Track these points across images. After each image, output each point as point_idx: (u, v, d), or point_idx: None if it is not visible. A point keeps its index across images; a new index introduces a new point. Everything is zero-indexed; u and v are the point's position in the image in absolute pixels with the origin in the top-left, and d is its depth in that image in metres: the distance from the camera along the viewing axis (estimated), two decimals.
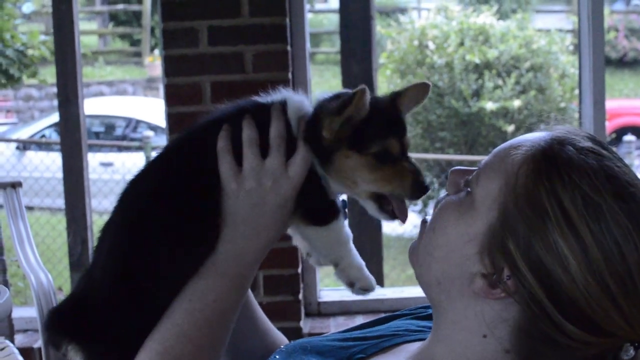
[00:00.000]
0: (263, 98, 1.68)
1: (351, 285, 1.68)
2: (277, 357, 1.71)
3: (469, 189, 1.54)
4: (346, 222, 1.68)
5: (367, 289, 1.68)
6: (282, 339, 1.91)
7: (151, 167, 1.72)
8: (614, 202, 1.40)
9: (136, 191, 1.69)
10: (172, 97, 4.01)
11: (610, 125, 12.36)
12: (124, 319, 1.59)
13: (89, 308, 1.62)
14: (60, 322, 1.65)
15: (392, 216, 1.66)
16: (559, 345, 1.42)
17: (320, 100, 1.66)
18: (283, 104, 1.65)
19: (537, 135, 1.52)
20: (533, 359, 1.46)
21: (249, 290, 1.82)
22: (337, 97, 1.64)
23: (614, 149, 1.52)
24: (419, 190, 1.63)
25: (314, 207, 1.65)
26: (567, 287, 1.39)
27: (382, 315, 1.89)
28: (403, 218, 1.66)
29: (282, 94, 1.68)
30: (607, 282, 1.38)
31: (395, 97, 1.67)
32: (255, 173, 1.60)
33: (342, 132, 1.59)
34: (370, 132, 1.61)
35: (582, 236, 1.39)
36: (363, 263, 1.70)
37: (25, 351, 3.84)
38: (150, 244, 1.60)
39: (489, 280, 1.46)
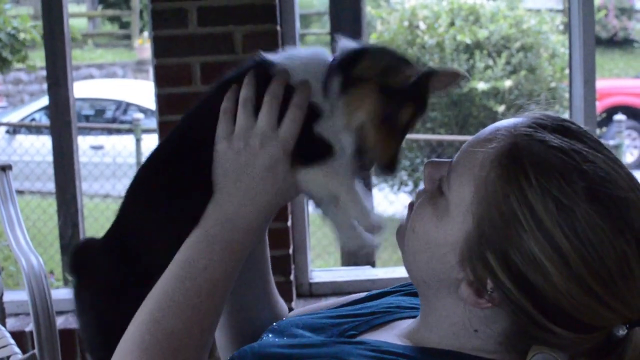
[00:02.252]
0: (279, 54, 1.62)
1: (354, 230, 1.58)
2: (270, 335, 1.71)
3: (442, 190, 1.50)
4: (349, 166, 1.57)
5: (369, 228, 1.57)
6: (285, 309, 1.91)
7: (173, 131, 1.67)
8: (587, 205, 1.36)
9: (153, 153, 1.66)
10: (162, 79, 3.98)
11: (600, 105, 12.36)
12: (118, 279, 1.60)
13: (100, 254, 1.63)
14: (84, 257, 1.65)
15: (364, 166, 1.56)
16: (552, 344, 1.42)
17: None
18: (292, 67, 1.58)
19: (504, 128, 1.47)
20: (527, 349, 1.45)
21: (266, 257, 1.80)
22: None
23: (598, 130, 1.48)
24: (387, 168, 1.55)
25: (307, 149, 1.55)
26: (551, 294, 1.37)
27: (374, 291, 1.88)
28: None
29: (291, 51, 1.63)
30: (589, 285, 1.36)
31: (428, 75, 1.57)
32: (244, 132, 1.54)
33: (377, 76, 1.52)
34: (398, 90, 1.52)
35: (558, 243, 1.36)
36: (368, 204, 1.58)
37: (16, 335, 3.83)
38: (149, 208, 1.61)
39: (474, 288, 1.44)
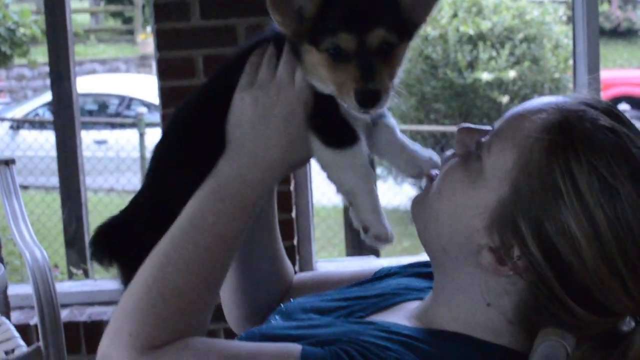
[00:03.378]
0: None
1: (365, 230, 1.53)
2: (277, 317, 1.71)
3: (479, 154, 1.50)
4: (367, 157, 1.54)
5: (380, 239, 1.52)
6: (292, 270, 1.91)
7: (192, 96, 1.67)
8: (631, 187, 1.37)
9: (176, 116, 1.67)
10: (165, 72, 3.98)
11: (604, 96, 12.32)
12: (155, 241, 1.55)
13: (132, 229, 1.62)
14: (105, 239, 1.64)
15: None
16: (563, 323, 1.41)
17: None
18: None
19: (554, 103, 1.47)
20: (536, 329, 1.44)
21: (274, 215, 1.80)
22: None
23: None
24: (362, 100, 1.45)
25: (328, 124, 1.52)
26: (578, 270, 1.37)
27: (382, 269, 1.87)
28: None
29: None
30: (618, 267, 1.36)
31: None
32: (265, 83, 1.53)
33: (298, 26, 1.49)
34: (324, 26, 1.46)
35: (596, 220, 1.36)
36: (381, 210, 1.54)
37: (21, 328, 3.84)
38: (175, 168, 1.60)
39: (496, 254, 1.44)
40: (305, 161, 1.60)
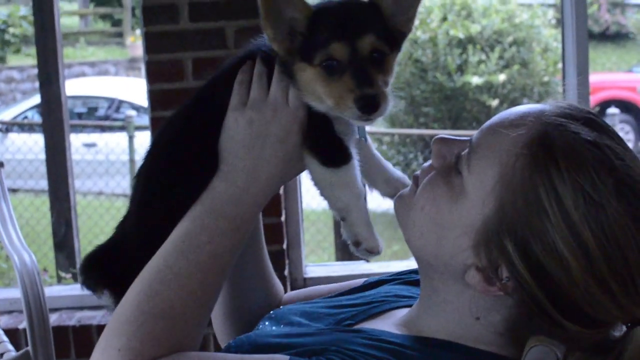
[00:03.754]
0: None
1: (357, 244, 1.56)
2: (267, 323, 1.70)
3: (459, 169, 1.47)
4: (359, 175, 1.56)
5: (372, 251, 1.56)
6: (281, 289, 1.90)
7: (176, 113, 1.66)
8: (616, 201, 1.35)
9: (160, 137, 1.66)
10: (154, 75, 3.97)
11: (593, 99, 12.37)
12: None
13: (121, 254, 1.62)
14: (95, 267, 1.64)
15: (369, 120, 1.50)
16: (554, 336, 1.40)
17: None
18: None
19: (532, 115, 1.44)
20: (526, 340, 1.44)
21: (261, 236, 1.79)
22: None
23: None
24: (363, 107, 1.45)
25: (323, 143, 1.53)
26: (566, 287, 1.36)
27: (372, 279, 1.86)
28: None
29: None
30: (607, 282, 1.35)
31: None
32: (258, 103, 1.53)
33: (289, 43, 1.49)
34: (315, 40, 1.46)
35: (583, 238, 1.34)
36: (372, 223, 1.58)
37: (10, 332, 3.83)
38: (165, 189, 1.59)
39: (484, 274, 1.43)
40: (297, 175, 1.62)
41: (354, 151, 1.56)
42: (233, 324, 1.81)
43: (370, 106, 1.46)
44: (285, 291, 1.92)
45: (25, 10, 10.06)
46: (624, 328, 1.42)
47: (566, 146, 1.38)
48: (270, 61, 1.56)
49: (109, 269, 1.63)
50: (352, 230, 1.56)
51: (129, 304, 1.45)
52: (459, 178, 1.47)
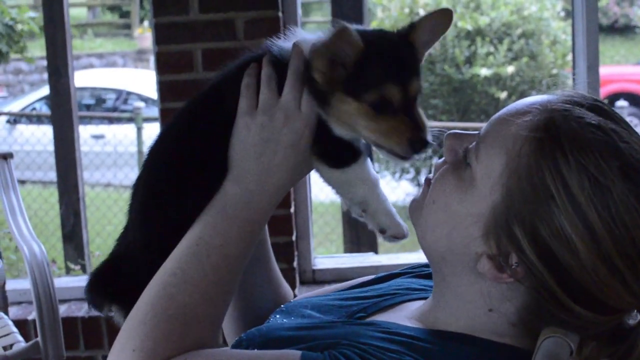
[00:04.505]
0: (283, 40, 1.60)
1: (382, 232, 1.59)
2: (278, 316, 1.70)
3: (468, 162, 1.49)
4: (371, 165, 1.58)
5: (398, 237, 1.59)
6: (290, 293, 1.90)
7: (175, 121, 1.66)
8: (622, 184, 1.35)
9: (160, 144, 1.65)
10: (163, 66, 3.96)
11: (602, 92, 12.34)
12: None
13: (126, 268, 1.62)
14: (101, 284, 1.64)
15: (404, 158, 1.52)
16: (567, 324, 1.40)
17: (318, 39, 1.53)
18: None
19: (538, 103, 1.46)
20: (540, 328, 1.44)
21: (267, 240, 1.80)
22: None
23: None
24: (417, 148, 1.49)
25: (330, 147, 1.54)
26: (576, 272, 1.36)
27: (383, 273, 1.87)
28: (408, 154, 1.52)
29: (297, 34, 1.59)
30: (616, 265, 1.35)
31: (409, 30, 1.53)
32: (269, 107, 1.53)
33: (334, 74, 1.48)
34: (366, 77, 1.48)
35: (590, 220, 1.35)
36: (393, 209, 1.59)
37: (19, 323, 3.84)
38: (171, 197, 1.58)
39: (495, 262, 1.43)
40: (306, 175, 1.63)
41: (362, 145, 1.57)
42: (242, 327, 1.81)
43: (422, 149, 1.50)
44: (294, 284, 1.92)
45: (33, 12, 10.06)
46: (639, 316, 1.42)
47: (571, 130, 1.39)
48: (276, 64, 1.56)
49: (115, 284, 1.63)
50: (374, 220, 1.58)
51: (143, 307, 1.46)
52: (468, 170, 1.48)
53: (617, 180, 1.35)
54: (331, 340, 1.46)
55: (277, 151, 1.52)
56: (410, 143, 1.48)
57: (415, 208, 1.58)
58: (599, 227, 1.35)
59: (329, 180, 1.58)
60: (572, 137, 1.38)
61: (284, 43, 1.59)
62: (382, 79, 1.47)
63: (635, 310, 1.43)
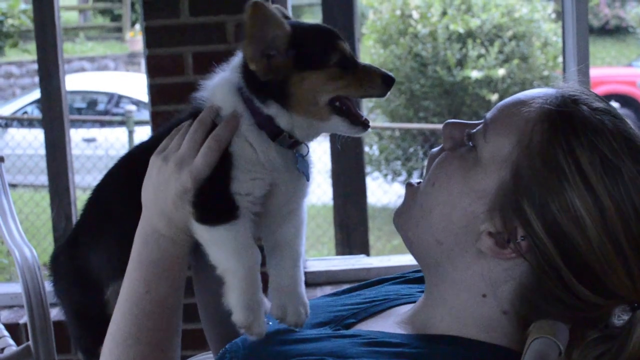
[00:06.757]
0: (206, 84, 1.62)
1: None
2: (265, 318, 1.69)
3: (471, 144, 1.51)
4: (251, 241, 1.51)
5: (240, 326, 1.50)
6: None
7: (127, 156, 1.79)
8: (632, 165, 1.39)
9: (106, 177, 1.77)
10: (154, 69, 3.96)
11: None
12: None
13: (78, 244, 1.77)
14: (59, 261, 1.84)
15: (364, 125, 1.58)
16: (564, 305, 1.42)
17: None
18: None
19: (546, 92, 1.50)
20: (531, 318, 1.45)
21: None
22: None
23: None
24: (389, 82, 1.57)
25: (204, 199, 1.51)
26: (583, 249, 1.39)
27: (372, 279, 1.87)
28: (367, 121, 1.59)
29: (215, 77, 1.62)
30: (622, 245, 1.38)
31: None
32: (169, 153, 1.56)
33: (274, 63, 1.51)
34: (315, 45, 1.55)
35: (600, 198, 1.38)
36: (258, 299, 1.50)
37: (11, 327, 3.83)
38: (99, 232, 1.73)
39: (496, 239, 1.45)
40: None
41: (246, 213, 1.52)
42: (224, 333, 1.81)
43: (392, 83, 1.57)
44: None
45: (24, 5, 10.01)
46: (625, 317, 1.43)
47: (582, 112, 1.44)
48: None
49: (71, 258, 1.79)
50: (226, 300, 1.50)
51: None
52: (472, 152, 1.51)
53: (627, 162, 1.40)
54: (315, 357, 1.45)
55: (167, 198, 1.53)
56: (383, 80, 1.55)
57: (400, 213, 1.60)
58: (608, 205, 1.38)
59: (197, 236, 1.53)
60: (584, 118, 1.43)
61: (203, 92, 1.62)
62: (332, 40, 1.56)
63: (625, 307, 1.44)
